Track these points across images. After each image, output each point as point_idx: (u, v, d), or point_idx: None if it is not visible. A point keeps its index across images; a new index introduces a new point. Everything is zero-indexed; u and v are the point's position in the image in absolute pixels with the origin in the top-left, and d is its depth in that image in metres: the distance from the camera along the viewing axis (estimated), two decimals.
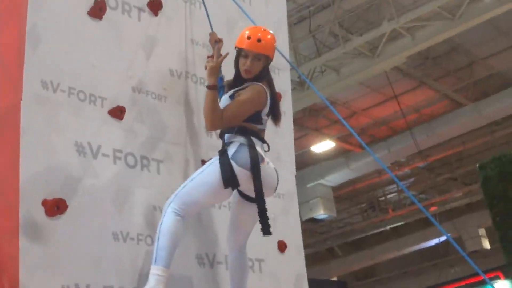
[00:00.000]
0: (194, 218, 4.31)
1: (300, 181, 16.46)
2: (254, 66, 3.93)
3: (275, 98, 4.08)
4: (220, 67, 4.03)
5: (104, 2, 4.14)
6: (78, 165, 3.80)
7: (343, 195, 19.23)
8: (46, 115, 3.71)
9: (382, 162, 16.11)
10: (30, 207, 3.49)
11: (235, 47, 3.98)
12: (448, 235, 4.49)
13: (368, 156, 15.82)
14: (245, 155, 3.78)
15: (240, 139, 3.86)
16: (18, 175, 3.46)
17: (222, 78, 4.16)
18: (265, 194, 3.86)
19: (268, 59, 4.02)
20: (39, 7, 3.81)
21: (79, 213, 3.71)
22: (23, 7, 3.74)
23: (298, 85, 13.40)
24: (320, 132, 16.37)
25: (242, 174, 3.76)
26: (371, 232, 21.41)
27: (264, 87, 3.95)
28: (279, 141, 5.09)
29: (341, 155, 16.81)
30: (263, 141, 4.01)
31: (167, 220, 3.73)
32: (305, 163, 16.72)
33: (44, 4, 3.85)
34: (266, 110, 3.97)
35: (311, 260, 22.99)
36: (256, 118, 3.93)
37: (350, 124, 15.98)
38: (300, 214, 16.25)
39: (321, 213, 16.71)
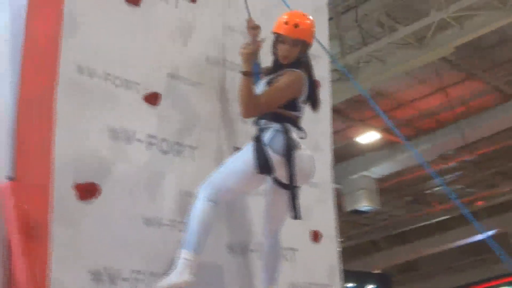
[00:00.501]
0: (227, 207, 4.31)
1: (345, 172, 16.53)
2: (292, 52, 3.90)
3: (314, 85, 4.05)
4: (257, 53, 4.01)
5: None
6: (111, 150, 3.81)
7: (388, 187, 19.01)
8: (80, 99, 3.74)
9: (428, 155, 15.86)
10: (62, 190, 3.51)
11: (272, 32, 3.95)
12: (488, 232, 4.39)
13: (414, 149, 15.61)
14: (280, 141, 3.75)
15: (276, 126, 3.83)
16: (51, 159, 3.49)
17: (258, 65, 4.13)
18: (300, 181, 3.86)
19: (306, 45, 3.98)
20: None
21: (111, 198, 3.72)
22: None
23: (344, 75, 13.25)
24: (365, 123, 16.19)
25: (277, 160, 3.74)
26: (416, 225, 21.19)
27: (302, 73, 3.91)
28: (317, 129, 5.05)
29: (386, 146, 16.60)
30: (300, 128, 3.97)
31: (199, 206, 3.74)
32: (350, 154, 16.58)
33: None
34: (303, 97, 3.93)
35: (354, 252, 22.88)
36: (292, 104, 3.90)
37: (396, 116, 15.81)
38: (343, 205, 16.14)
39: (364, 205, 16.56)
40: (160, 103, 4.13)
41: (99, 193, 3.66)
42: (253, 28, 4.30)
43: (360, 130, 16.19)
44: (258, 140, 3.82)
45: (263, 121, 3.91)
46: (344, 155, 16.99)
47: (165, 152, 4.10)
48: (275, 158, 3.74)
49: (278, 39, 3.93)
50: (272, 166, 3.75)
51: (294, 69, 3.89)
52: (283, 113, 3.88)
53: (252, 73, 3.80)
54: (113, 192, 3.74)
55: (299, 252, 4.74)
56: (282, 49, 3.91)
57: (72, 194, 3.56)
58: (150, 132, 4.04)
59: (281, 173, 3.78)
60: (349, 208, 16.45)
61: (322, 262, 4.91)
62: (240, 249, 4.38)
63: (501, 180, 18.87)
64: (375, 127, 16.04)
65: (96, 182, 3.67)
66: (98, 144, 3.76)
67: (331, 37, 13.14)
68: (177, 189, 4.09)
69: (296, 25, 3.88)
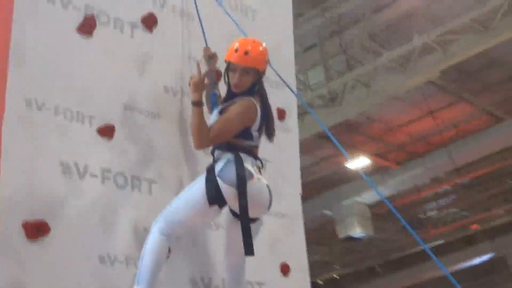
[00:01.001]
0: (189, 240, 4.18)
1: (336, 199, 16.36)
2: (243, 80, 3.80)
3: (269, 113, 3.92)
4: (214, 83, 3.92)
5: (94, 18, 4.06)
6: (63, 185, 3.69)
7: (381, 213, 18.82)
8: (29, 134, 3.63)
9: (420, 179, 15.66)
10: (9, 229, 3.39)
11: (225, 61, 3.85)
12: (446, 270, 4.26)
13: (406, 173, 15.47)
14: (231, 171, 3.62)
15: (228, 156, 3.71)
16: None
17: (215, 94, 4.03)
18: (255, 213, 3.72)
19: (258, 73, 3.86)
20: (24, 25, 3.74)
21: (63, 236, 3.60)
22: (7, 25, 3.67)
23: (329, 100, 13.17)
24: (356, 148, 16.08)
25: (228, 192, 3.61)
26: (413, 250, 20.92)
27: (255, 101, 3.80)
28: (282, 159, 4.94)
29: (377, 172, 16.47)
30: (256, 158, 3.84)
31: (152, 240, 3.63)
32: (340, 180, 16.44)
33: (30, 21, 3.78)
34: (256, 125, 3.80)
35: (351, 279, 22.64)
36: (245, 134, 3.78)
37: (388, 140, 15.71)
38: (336, 232, 15.91)
39: (357, 232, 16.34)
40: (115, 136, 4.01)
41: (49, 231, 3.53)
42: (210, 57, 4.20)
43: (350, 156, 16.05)
44: (210, 171, 3.71)
45: (217, 152, 3.80)
46: (335, 181, 16.86)
47: (121, 187, 3.97)
48: (226, 189, 3.61)
49: (230, 67, 3.83)
50: (223, 198, 3.63)
51: (247, 97, 3.78)
52: (237, 142, 3.76)
53: (201, 102, 3.73)
54: (65, 230, 3.62)
55: (267, 286, 4.58)
56: (233, 77, 3.81)
57: (20, 232, 3.43)
58: (104, 166, 3.92)
59: (235, 204, 3.65)
60: (342, 235, 16.24)
61: None
62: (203, 284, 4.23)
63: (495, 203, 18.69)
64: (366, 152, 15.93)
65: (46, 219, 3.54)
66: (49, 180, 3.64)
67: (315, 63, 13.14)
68: (134, 225, 3.95)
69: (246, 53, 3.77)
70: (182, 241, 4.12)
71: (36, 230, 3.48)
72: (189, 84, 3.77)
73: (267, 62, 3.90)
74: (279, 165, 4.96)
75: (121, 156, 4.02)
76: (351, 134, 15.78)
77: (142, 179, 4.09)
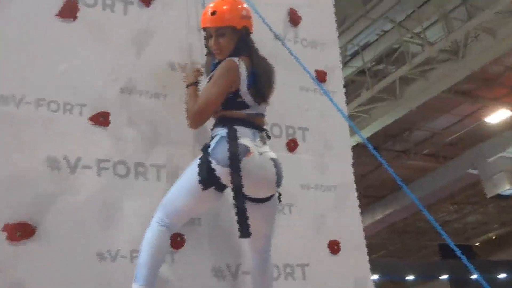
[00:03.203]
0: (209, 225, 3.84)
1: (480, 156, 15.24)
2: (221, 43, 3.43)
3: (260, 72, 3.42)
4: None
5: (75, 0, 3.78)
6: (51, 182, 3.46)
7: None
8: (8, 132, 3.43)
9: None
10: None
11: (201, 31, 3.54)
12: None
13: None
14: (223, 149, 3.23)
15: (222, 131, 3.32)
16: None
17: (214, 65, 3.66)
18: (259, 192, 3.36)
19: (236, 31, 3.43)
20: None
21: (52, 235, 3.38)
22: None
23: (452, 54, 12.19)
24: (496, 101, 14.90)
25: (222, 172, 3.22)
26: None
27: (239, 61, 3.36)
28: (325, 125, 4.44)
29: None
30: (257, 128, 3.41)
31: (150, 232, 3.32)
32: (482, 136, 15.34)
33: (1, 14, 3.58)
34: (243, 88, 3.35)
35: (509, 240, 21.20)
36: (236, 102, 3.37)
37: None
38: (484, 191, 14.87)
39: (507, 189, 15.17)
40: (111, 123, 3.73)
41: (33, 233, 3.32)
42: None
43: (489, 110, 14.92)
44: (205, 150, 3.34)
45: (214, 129, 3.43)
46: (477, 137, 15.77)
47: (122, 176, 3.69)
48: (220, 170, 3.23)
49: (207, 35, 3.50)
50: (218, 179, 3.25)
51: (227, 59, 3.38)
52: (228, 114, 3.37)
53: (192, 83, 3.54)
54: (54, 229, 3.40)
55: (311, 267, 4.13)
56: (212, 43, 3.44)
57: (1, 236, 3.25)
58: (100, 157, 3.65)
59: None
60: (490, 194, 15.19)
61: (343, 275, 4.24)
62: (230, 272, 3.87)
63: None
64: (505, 104, 14.71)
65: (30, 220, 3.33)
66: (33, 178, 3.43)
67: (433, 17, 12.09)
68: (138, 215, 3.65)
69: (214, 13, 3.42)
70: (201, 227, 3.80)
71: (17, 233, 3.27)
72: (184, 82, 3.63)
73: (243, 17, 3.47)
74: (321, 132, 4.48)
75: (119, 144, 3.73)
76: (490, 87, 14.66)
77: (148, 165, 3.78)
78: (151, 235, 3.31)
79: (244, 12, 3.48)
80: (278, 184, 3.42)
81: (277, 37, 3.82)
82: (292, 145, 4.31)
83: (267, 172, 3.33)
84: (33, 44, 3.63)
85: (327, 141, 4.49)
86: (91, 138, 3.66)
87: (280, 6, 4.63)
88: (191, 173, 3.34)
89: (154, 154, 3.83)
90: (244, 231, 3.18)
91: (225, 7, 3.42)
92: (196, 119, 3.33)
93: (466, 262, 2.64)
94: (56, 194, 3.45)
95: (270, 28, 3.83)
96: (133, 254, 3.57)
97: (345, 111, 4.67)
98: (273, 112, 3.65)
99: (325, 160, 4.45)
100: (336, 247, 4.26)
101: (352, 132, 14.20)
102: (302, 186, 4.27)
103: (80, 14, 3.79)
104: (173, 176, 3.81)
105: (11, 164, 3.39)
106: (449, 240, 2.78)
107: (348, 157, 4.58)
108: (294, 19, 4.62)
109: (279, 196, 3.53)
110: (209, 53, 3.60)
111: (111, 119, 3.74)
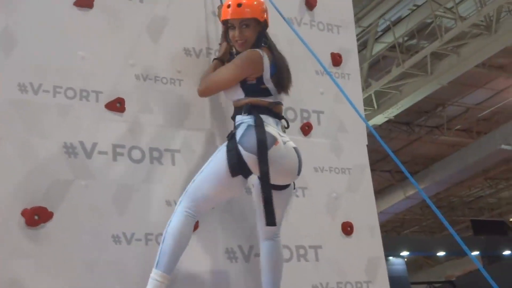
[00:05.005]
0: (221, 207, 3.92)
1: None
2: (245, 35, 3.56)
3: (280, 64, 3.59)
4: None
5: None
6: (68, 167, 3.58)
7: None
8: (26, 119, 3.54)
9: None
10: (8, 218, 3.35)
11: (222, 23, 3.69)
12: None
13: None
14: (251, 137, 3.35)
15: (248, 120, 3.45)
16: None
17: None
18: (282, 180, 3.49)
19: (259, 23, 3.57)
20: (12, 9, 3.64)
21: (69, 219, 3.50)
22: None
23: (485, 29, 12.02)
24: None
25: (251, 160, 3.34)
26: None
27: (260, 51, 3.52)
28: (340, 108, 4.49)
29: None
30: (280, 117, 3.57)
31: (175, 220, 3.41)
32: None
33: (19, 4, 3.67)
34: (266, 75, 3.50)
35: None
36: (259, 89, 3.51)
37: None
38: None
39: None
40: (127, 109, 3.82)
41: (51, 217, 3.45)
42: None
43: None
44: (231, 138, 3.47)
45: (238, 116, 3.56)
46: (510, 113, 15.59)
47: (137, 161, 3.79)
48: (248, 157, 3.34)
49: (228, 27, 3.62)
50: (247, 166, 3.37)
51: (250, 49, 3.55)
52: (254, 102, 3.50)
53: (219, 58, 3.78)
54: (71, 213, 3.51)
55: (324, 249, 4.21)
56: (234, 35, 3.59)
57: (20, 221, 3.37)
58: (116, 142, 3.75)
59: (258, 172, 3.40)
60: None
61: (357, 256, 4.31)
62: (242, 253, 3.96)
63: None
64: None
65: (45, 205, 3.44)
66: (50, 164, 3.54)
67: None
68: (154, 199, 3.77)
69: (239, 5, 3.53)
70: (214, 209, 3.88)
71: (36, 216, 3.40)
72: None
73: (264, 11, 3.61)
74: (336, 115, 4.53)
75: (135, 129, 3.83)
76: None
77: (162, 150, 3.88)
78: (177, 222, 3.39)
79: (265, 6, 3.63)
80: (299, 172, 3.55)
81: (286, 21, 3.86)
82: (306, 129, 4.37)
83: (291, 161, 3.47)
84: (50, 32, 3.73)
85: (342, 124, 4.53)
86: (107, 124, 3.76)
87: None
88: (218, 161, 3.44)
89: (169, 139, 3.92)
90: (270, 219, 3.31)
91: (250, 0, 3.53)
92: (201, 94, 3.69)
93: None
94: (72, 179, 3.57)
95: (280, 13, 3.87)
96: (148, 237, 3.69)
97: (360, 93, 4.72)
98: (288, 96, 3.70)
99: (340, 143, 4.50)
100: (349, 228, 4.32)
101: (379, 110, 14.13)
102: (316, 169, 4.33)
103: (96, 2, 3.88)
104: (188, 161, 3.93)
105: (29, 151, 3.51)
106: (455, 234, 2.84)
107: (363, 140, 4.62)
108: (310, 2, 4.63)
109: (293, 183, 3.65)
110: (223, 42, 3.75)
111: (127, 105, 3.82)
